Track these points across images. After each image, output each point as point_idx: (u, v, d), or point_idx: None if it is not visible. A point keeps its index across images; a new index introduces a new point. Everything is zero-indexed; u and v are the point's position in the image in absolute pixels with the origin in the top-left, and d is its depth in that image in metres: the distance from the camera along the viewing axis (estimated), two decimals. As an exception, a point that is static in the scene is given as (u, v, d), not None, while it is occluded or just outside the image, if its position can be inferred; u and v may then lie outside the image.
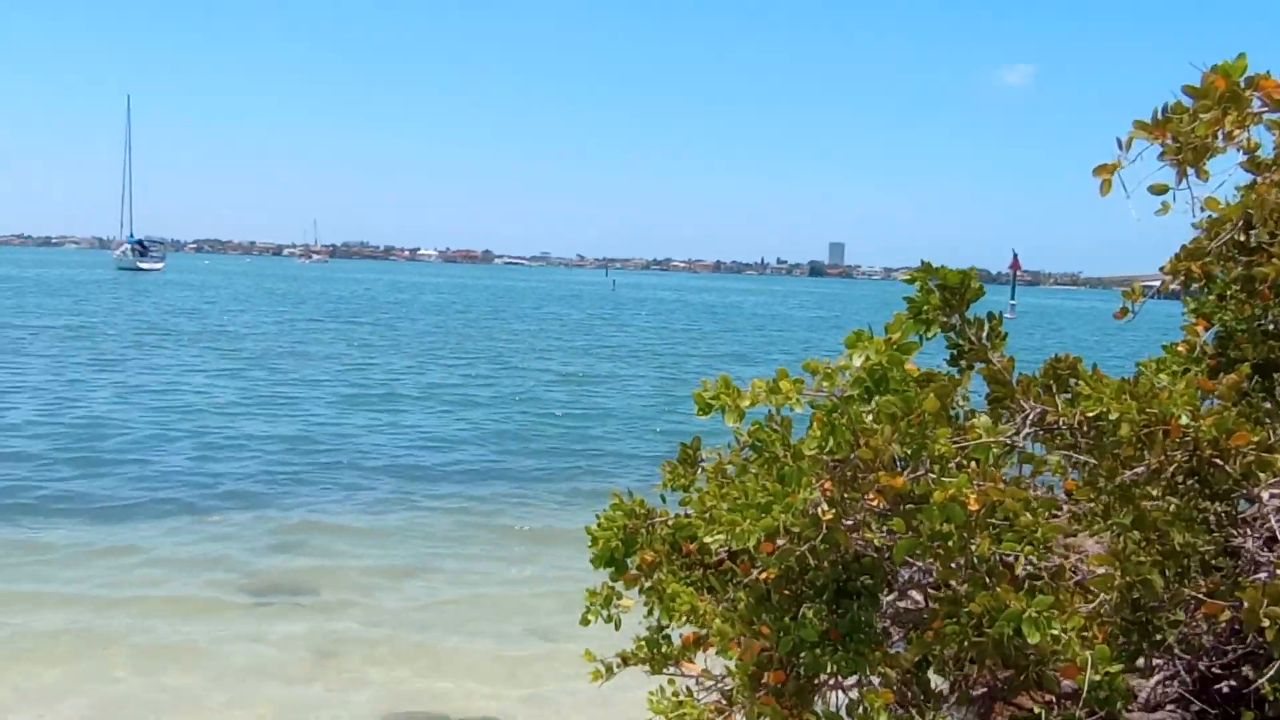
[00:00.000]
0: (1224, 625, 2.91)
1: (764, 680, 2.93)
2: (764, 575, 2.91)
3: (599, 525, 3.52)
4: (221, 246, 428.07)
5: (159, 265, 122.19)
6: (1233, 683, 3.02)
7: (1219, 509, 2.71)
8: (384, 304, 73.52)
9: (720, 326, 62.36)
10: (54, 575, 10.22)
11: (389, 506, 13.58)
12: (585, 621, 4.77)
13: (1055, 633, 2.36)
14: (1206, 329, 3.20)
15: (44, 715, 7.32)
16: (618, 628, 4.79)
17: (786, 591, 2.94)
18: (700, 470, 3.45)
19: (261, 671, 8.21)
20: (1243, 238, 2.97)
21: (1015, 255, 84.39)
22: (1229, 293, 3.17)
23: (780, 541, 2.70)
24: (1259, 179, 2.64)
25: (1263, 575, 2.57)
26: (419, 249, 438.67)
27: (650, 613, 4.20)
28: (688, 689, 3.63)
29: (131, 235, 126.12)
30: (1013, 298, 74.79)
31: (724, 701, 3.39)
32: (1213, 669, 3.08)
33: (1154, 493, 2.63)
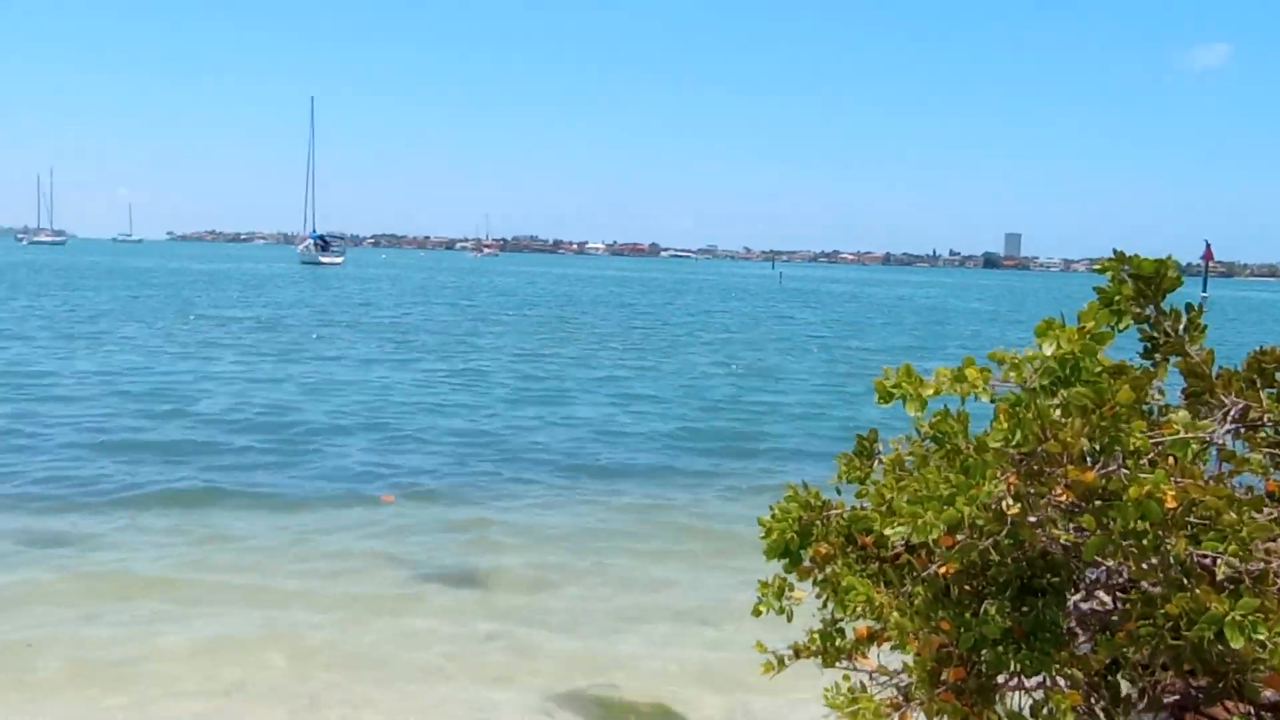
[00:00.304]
0: None
1: (943, 677, 2.88)
2: (944, 569, 2.86)
3: (773, 516, 3.52)
4: (397, 241, 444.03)
5: (339, 259, 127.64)
6: None
7: None
8: (553, 296, 74.97)
9: (889, 320, 61.22)
10: (236, 566, 10.72)
11: (562, 500, 13.84)
12: (757, 612, 4.78)
13: (1261, 639, 2.24)
14: None
15: (223, 707, 7.72)
16: (790, 620, 4.79)
17: (967, 587, 2.89)
18: (877, 463, 3.41)
19: (436, 668, 8.43)
20: None
21: (1208, 245, 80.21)
22: None
23: (961, 535, 2.65)
24: None
25: None
26: (587, 242, 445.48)
27: (824, 605, 4.18)
28: (862, 683, 3.60)
29: (314, 231, 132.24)
30: (1205, 290, 71.00)
31: (900, 697, 3.35)
32: None
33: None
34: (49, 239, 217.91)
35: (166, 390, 22.10)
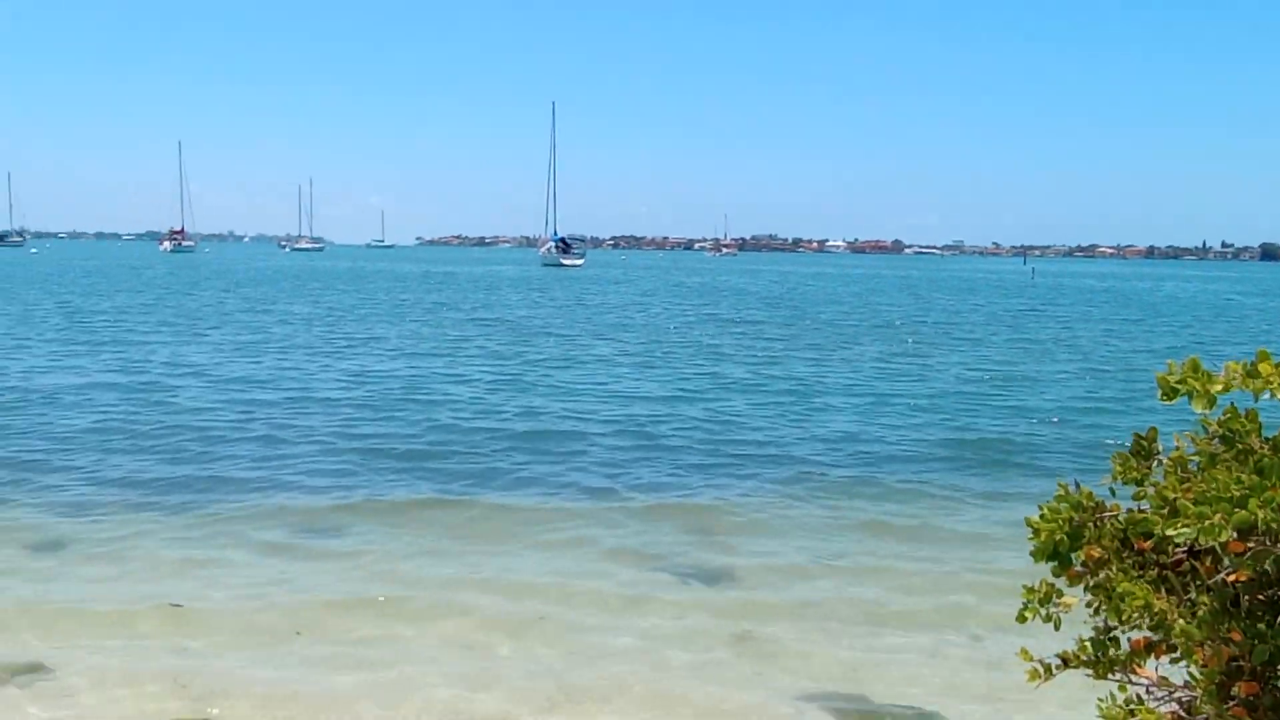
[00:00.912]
0: None
1: (1234, 691, 2.72)
2: (1233, 577, 2.70)
3: (1041, 517, 3.39)
4: (636, 242, 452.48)
5: (580, 261, 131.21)
6: None
7: None
8: (791, 295, 74.57)
9: (1153, 317, 57.55)
10: (487, 563, 11.17)
11: (809, 501, 13.77)
12: (1022, 619, 4.61)
13: None
14: None
15: (472, 692, 8.08)
16: (1057, 628, 4.59)
17: (1261, 596, 2.71)
18: (1156, 464, 3.23)
19: (683, 666, 8.54)
20: None
21: None
22: None
23: (1254, 541, 2.50)
24: None
25: None
26: (827, 240, 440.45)
27: (1096, 613, 3.99)
28: (1138, 696, 3.41)
29: (555, 233, 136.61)
30: None
31: (1182, 712, 3.17)
32: None
33: None
34: (309, 245, 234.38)
35: (419, 388, 23.43)
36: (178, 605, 9.27)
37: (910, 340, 38.22)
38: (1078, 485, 3.37)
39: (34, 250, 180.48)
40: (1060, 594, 4.02)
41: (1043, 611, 4.15)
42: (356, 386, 23.86)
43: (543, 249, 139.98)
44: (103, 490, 13.68)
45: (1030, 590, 4.21)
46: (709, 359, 31.23)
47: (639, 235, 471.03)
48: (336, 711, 7.27)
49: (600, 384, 25.07)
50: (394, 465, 15.42)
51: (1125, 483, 3.33)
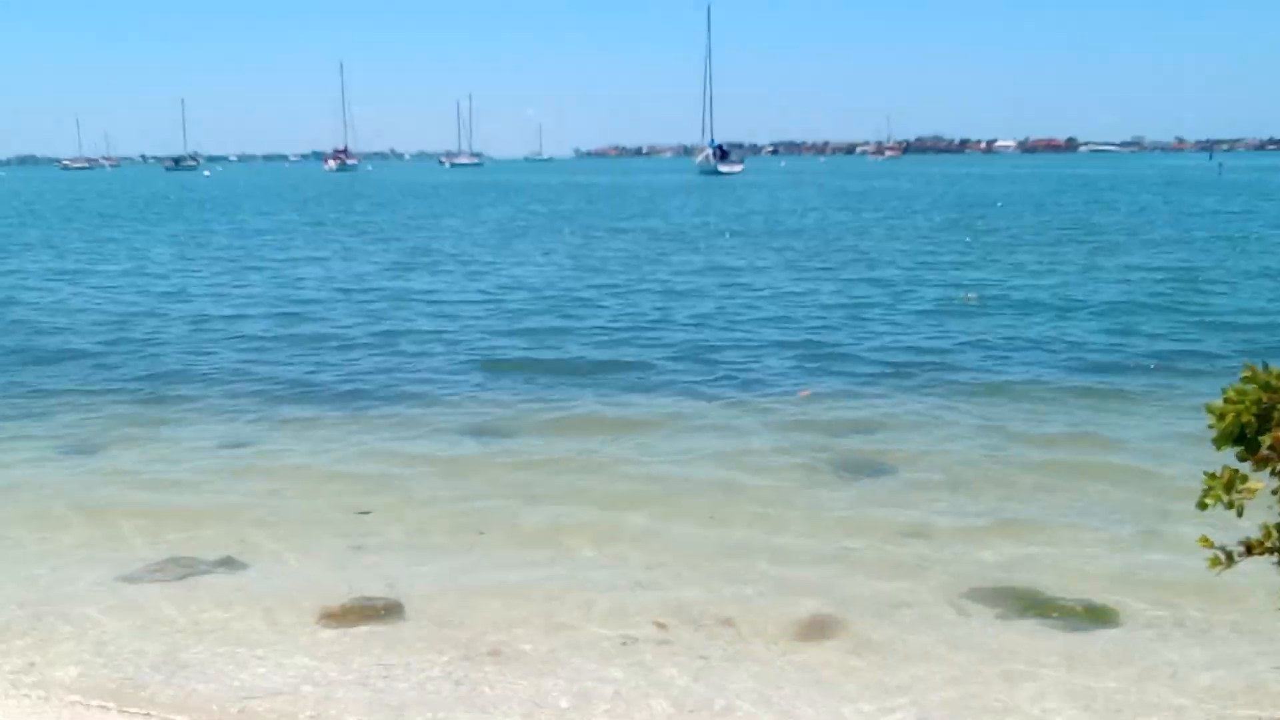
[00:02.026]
0: None
1: None
2: None
3: (1226, 400, 3.33)
4: (796, 148, 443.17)
5: (738, 168, 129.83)
6: None
7: None
8: (959, 198, 72.20)
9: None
10: (656, 457, 11.53)
11: (978, 403, 13.57)
12: (1203, 506, 4.54)
13: None
14: None
15: (642, 580, 8.34)
16: (1240, 514, 4.51)
17: None
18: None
19: (847, 555, 8.68)
20: None
21: None
22: None
23: None
24: None
25: None
26: (995, 140, 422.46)
27: (1282, 498, 3.90)
28: (1327, 579, 3.35)
29: (712, 141, 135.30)
30: None
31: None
32: None
33: None
34: (468, 161, 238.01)
35: (579, 299, 23.88)
36: (365, 512, 9.79)
37: (1090, 243, 36.63)
38: (1265, 366, 3.30)
39: (207, 174, 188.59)
40: (1244, 479, 3.95)
41: (1225, 498, 4.09)
42: (523, 297, 24.47)
43: (700, 157, 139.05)
44: (283, 397, 14.50)
45: (1212, 476, 4.14)
46: (870, 264, 30.74)
47: (798, 141, 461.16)
48: (519, 605, 7.64)
49: (762, 291, 25.03)
50: (563, 377, 15.74)
51: (1319, 363, 3.25)
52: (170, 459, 11.56)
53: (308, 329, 20.18)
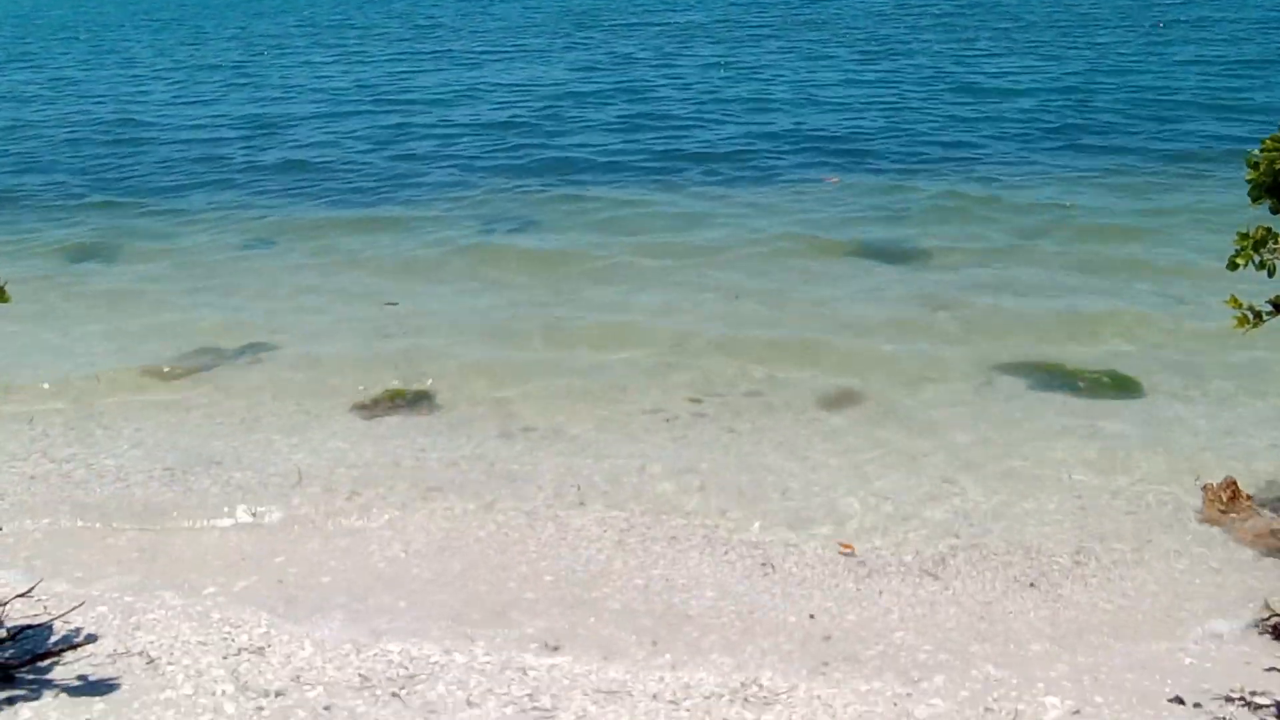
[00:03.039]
0: None
1: None
2: None
3: (1263, 149, 3.20)
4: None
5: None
6: None
7: None
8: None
9: None
10: (677, 237, 11.59)
11: (1003, 187, 13.30)
12: (1233, 266, 4.47)
13: None
14: None
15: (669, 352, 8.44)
16: (1271, 274, 4.44)
17: None
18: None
19: (884, 326, 8.76)
20: None
21: None
22: None
23: None
24: None
25: None
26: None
27: (1314, 252, 3.81)
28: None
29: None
30: None
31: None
32: None
33: None
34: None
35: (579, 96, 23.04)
36: (393, 303, 9.82)
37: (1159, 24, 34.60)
38: (1309, 111, 3.15)
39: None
40: (1276, 237, 3.85)
41: (1256, 258, 4.01)
42: (542, 92, 23.80)
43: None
44: (304, 195, 14.37)
45: (1244, 236, 4.05)
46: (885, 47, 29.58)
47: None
48: (550, 389, 7.74)
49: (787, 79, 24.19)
50: (585, 174, 15.37)
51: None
52: (194, 258, 11.61)
53: (320, 129, 19.74)
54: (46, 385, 7.98)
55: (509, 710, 4.15)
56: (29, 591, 4.83)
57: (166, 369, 8.34)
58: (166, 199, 14.48)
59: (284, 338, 9.00)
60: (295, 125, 20.04)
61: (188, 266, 11.34)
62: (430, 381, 7.90)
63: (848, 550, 5.42)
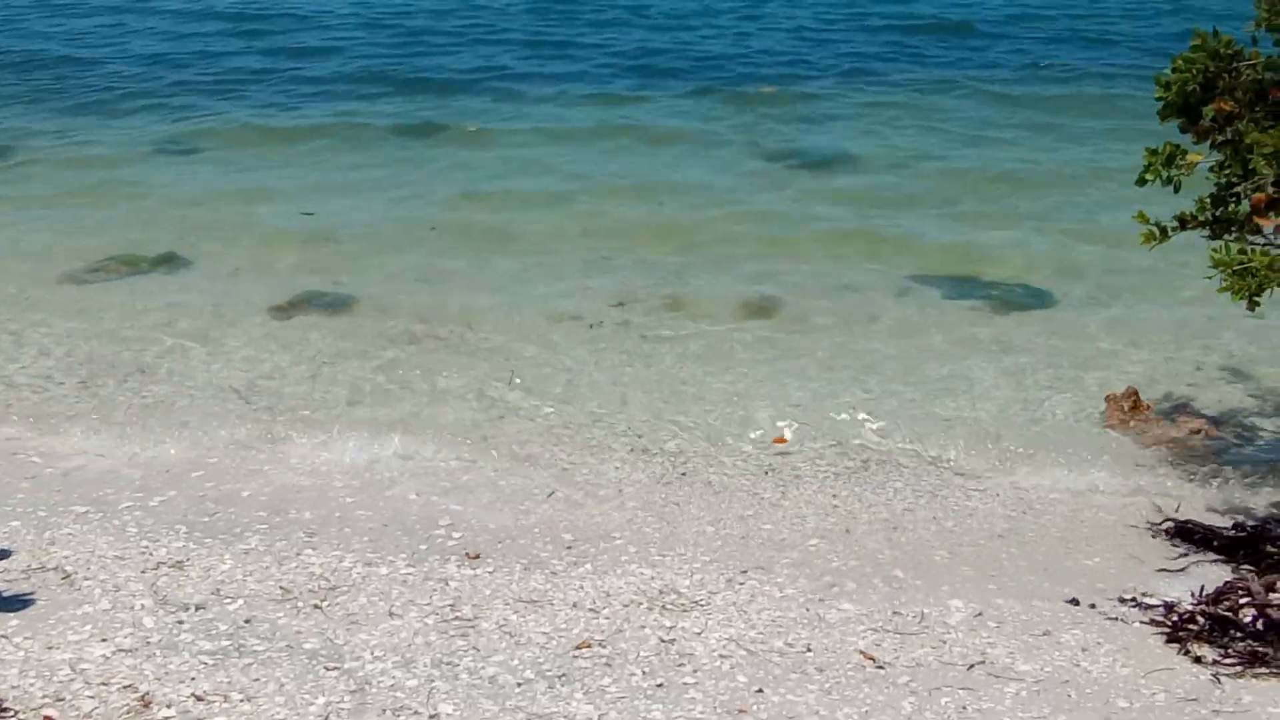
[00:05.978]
0: None
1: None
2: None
3: (1173, 69, 3.24)
4: None
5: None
6: None
7: None
8: None
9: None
10: (604, 149, 11.48)
11: (921, 96, 13.34)
12: (1141, 181, 4.55)
13: None
14: None
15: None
16: (1177, 190, 4.53)
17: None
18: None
19: (801, 243, 8.82)
20: None
21: None
22: None
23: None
24: None
25: None
26: None
27: (1221, 172, 3.89)
28: (1253, 247, 3.40)
29: None
30: None
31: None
32: None
33: None
34: None
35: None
36: (309, 213, 9.55)
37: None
38: (1217, 33, 3.20)
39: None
40: (1184, 154, 3.93)
41: (1164, 174, 4.09)
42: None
43: None
44: (227, 95, 13.81)
45: (1152, 152, 4.12)
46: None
47: None
48: (471, 297, 7.68)
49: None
50: (506, 82, 14.86)
51: (1270, 29, 3.15)
52: (104, 156, 11.20)
53: (253, 37, 18.72)
54: (-47, 292, 7.70)
55: (431, 620, 4.19)
56: (-65, 507, 4.74)
57: (80, 277, 8.09)
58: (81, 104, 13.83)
59: (197, 246, 8.75)
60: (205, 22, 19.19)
61: (99, 171, 10.92)
62: (348, 289, 7.78)
63: (781, 443, 5.54)
